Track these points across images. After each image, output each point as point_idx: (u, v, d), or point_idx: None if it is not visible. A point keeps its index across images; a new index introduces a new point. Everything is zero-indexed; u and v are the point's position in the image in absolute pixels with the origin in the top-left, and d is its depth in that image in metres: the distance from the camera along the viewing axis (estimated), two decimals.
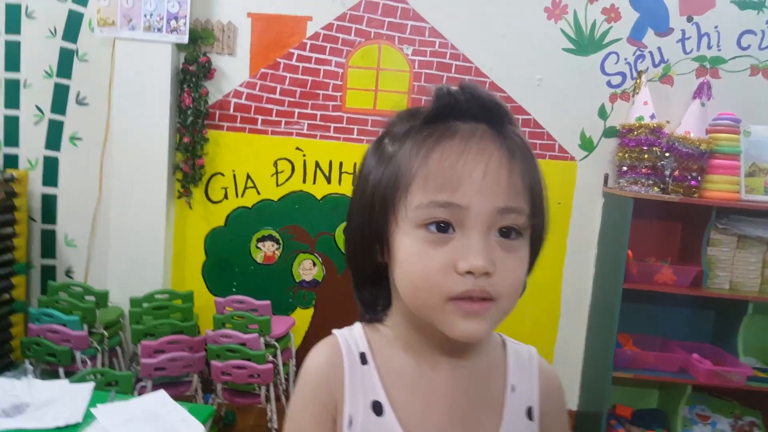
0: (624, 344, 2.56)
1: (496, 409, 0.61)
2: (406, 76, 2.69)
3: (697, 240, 2.48)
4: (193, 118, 2.66)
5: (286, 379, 2.61)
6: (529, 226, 0.57)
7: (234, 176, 2.78)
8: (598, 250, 2.68)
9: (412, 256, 0.55)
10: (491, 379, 0.63)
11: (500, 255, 0.54)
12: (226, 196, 2.79)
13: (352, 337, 0.63)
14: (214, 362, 2.21)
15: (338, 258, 2.80)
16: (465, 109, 0.55)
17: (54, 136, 2.80)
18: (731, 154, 2.45)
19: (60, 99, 2.78)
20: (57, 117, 2.79)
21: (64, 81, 2.77)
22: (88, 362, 2.29)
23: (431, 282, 0.54)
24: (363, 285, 0.65)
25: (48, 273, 2.86)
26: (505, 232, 0.55)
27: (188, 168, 2.70)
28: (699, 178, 2.45)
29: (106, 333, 2.43)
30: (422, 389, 0.60)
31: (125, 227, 2.69)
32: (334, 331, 0.64)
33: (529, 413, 0.63)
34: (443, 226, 0.54)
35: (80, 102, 2.78)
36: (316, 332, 2.82)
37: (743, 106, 2.52)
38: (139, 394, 1.95)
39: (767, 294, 2.47)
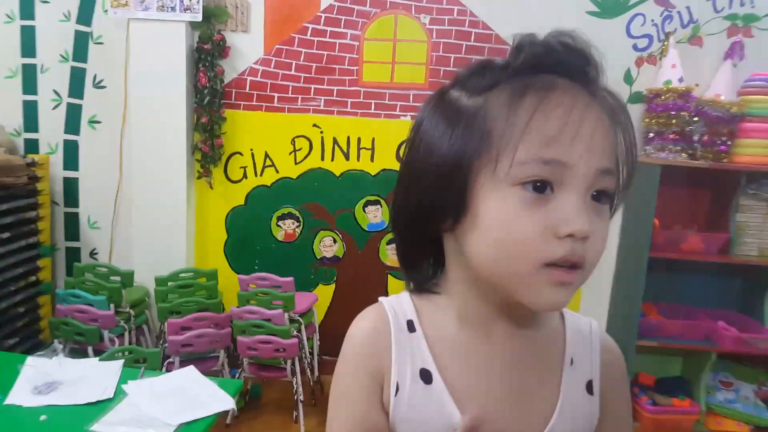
0: (648, 313, 2.50)
1: (553, 382, 0.57)
2: (424, 46, 2.59)
3: (726, 206, 2.39)
4: (210, 98, 2.60)
5: (311, 353, 2.60)
6: (619, 192, 0.52)
7: (252, 155, 2.73)
8: (623, 219, 2.58)
9: (506, 219, 0.49)
10: (549, 351, 0.59)
11: (594, 219, 0.49)
12: (245, 176, 2.75)
13: (399, 304, 0.59)
14: (240, 338, 2.20)
15: (358, 234, 2.76)
16: (560, 61, 0.50)
17: (73, 119, 2.76)
18: (765, 117, 2.32)
19: (77, 82, 2.74)
20: (75, 101, 2.75)
21: (80, 64, 2.72)
22: (116, 341, 2.29)
23: (527, 246, 0.48)
24: (414, 255, 0.60)
25: (73, 255, 2.86)
26: (597, 196, 0.50)
27: (207, 148, 2.65)
28: (729, 142, 2.33)
29: (132, 312, 2.43)
30: (474, 359, 0.57)
31: (147, 208, 2.66)
32: (381, 298, 0.61)
33: (590, 387, 0.59)
34: (540, 186, 0.48)
35: (97, 85, 2.74)
36: (339, 307, 2.79)
37: None
38: (167, 370, 1.95)
39: None
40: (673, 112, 2.31)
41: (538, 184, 0.48)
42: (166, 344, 2.19)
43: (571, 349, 0.59)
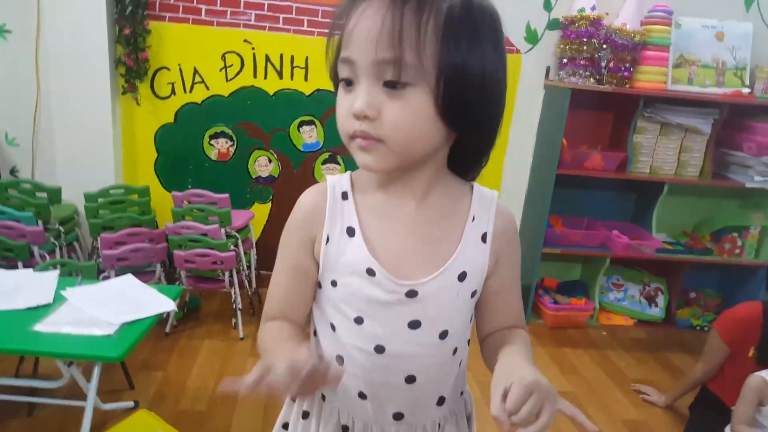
0: (554, 224, 2.77)
1: (456, 234, 0.72)
2: None
3: (626, 128, 2.63)
4: (133, 8, 2.45)
5: (248, 267, 2.68)
6: (421, 76, 0.59)
7: (180, 71, 2.64)
8: (537, 140, 2.79)
9: (337, 105, 0.66)
10: (455, 212, 0.73)
11: (387, 103, 0.60)
12: (173, 92, 2.66)
13: (339, 180, 0.74)
14: (177, 252, 2.24)
15: (294, 154, 2.79)
16: None
17: None
18: (661, 46, 2.54)
19: None
20: None
21: None
22: (47, 257, 2.25)
23: (341, 124, 0.65)
24: None
25: None
26: (390, 83, 0.60)
27: (131, 62, 2.53)
28: (632, 69, 2.54)
29: (62, 229, 2.38)
30: (390, 218, 0.71)
31: (69, 124, 2.54)
32: (327, 176, 0.75)
33: (484, 238, 0.73)
34: (349, 81, 0.63)
35: None
36: (275, 225, 2.86)
37: None
38: None
39: (681, 176, 2.71)
40: (585, 39, 2.47)
41: (346, 80, 0.63)
42: (100, 259, 2.19)
43: (474, 210, 0.73)
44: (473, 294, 0.74)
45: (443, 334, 0.72)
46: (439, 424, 0.78)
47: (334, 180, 0.74)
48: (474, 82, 0.60)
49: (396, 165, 0.65)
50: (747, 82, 2.64)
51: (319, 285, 0.75)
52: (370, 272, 0.69)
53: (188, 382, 2.08)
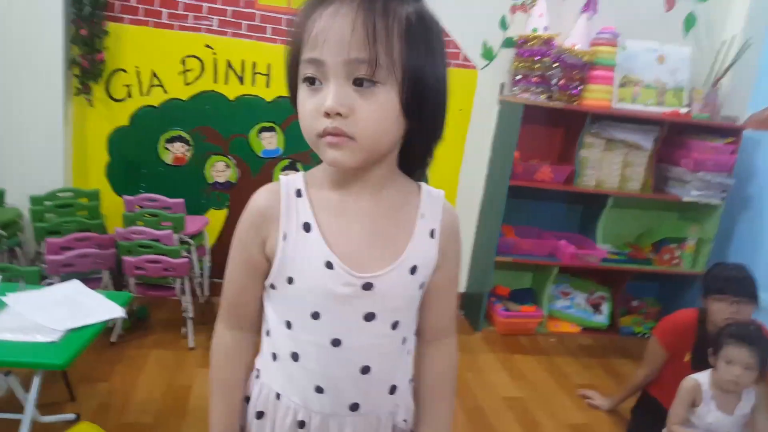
0: (506, 233, 2.85)
1: (408, 229, 0.76)
2: None
3: (574, 143, 2.75)
4: (91, 9, 2.40)
5: (201, 274, 2.63)
6: (391, 77, 0.63)
7: (138, 73, 2.58)
8: (491, 153, 2.88)
9: (299, 107, 0.68)
10: (406, 209, 0.77)
11: (358, 101, 0.63)
12: (129, 95, 2.60)
13: (292, 179, 0.76)
14: (126, 257, 2.17)
15: (252, 160, 2.77)
16: None
17: None
18: (608, 66, 2.67)
19: None
20: None
21: None
22: None
23: (307, 122, 0.67)
24: None
25: None
26: (359, 82, 0.63)
27: (87, 63, 2.46)
28: (580, 87, 2.66)
29: (4, 233, 2.27)
30: (345, 213, 0.73)
31: (17, 124, 2.45)
32: (280, 176, 0.77)
33: (432, 233, 0.77)
34: (313, 80, 0.65)
35: None
36: (231, 232, 2.78)
37: (622, 22, 2.71)
38: None
39: (624, 190, 2.84)
40: (537, 58, 2.57)
41: (312, 79, 0.65)
42: (44, 265, 2.10)
43: (423, 208, 0.77)
44: (421, 286, 0.78)
45: (395, 325, 0.76)
46: (393, 414, 0.81)
47: (287, 179, 0.75)
48: (430, 83, 0.66)
49: (363, 161, 0.67)
50: (685, 102, 2.81)
51: (272, 286, 0.76)
52: (329, 265, 0.71)
53: (134, 393, 2.00)
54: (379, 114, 0.64)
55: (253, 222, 0.75)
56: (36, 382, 1.41)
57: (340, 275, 0.71)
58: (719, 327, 1.80)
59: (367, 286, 0.72)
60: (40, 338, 1.36)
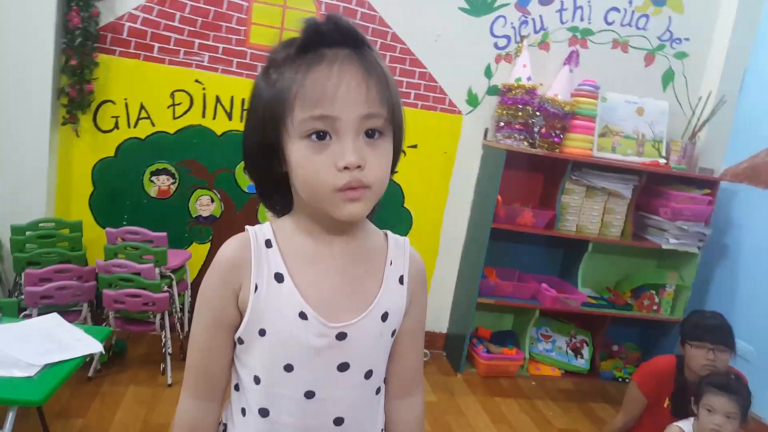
0: (488, 276, 2.92)
1: (377, 276, 0.78)
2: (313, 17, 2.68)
3: (555, 189, 2.86)
4: (82, 39, 2.47)
5: (182, 309, 2.65)
6: (389, 127, 0.70)
7: (126, 105, 2.65)
8: (474, 196, 2.97)
9: (303, 162, 0.68)
10: (375, 257, 0.79)
11: (368, 152, 0.67)
12: (117, 126, 2.66)
13: (260, 229, 0.76)
14: (106, 291, 2.19)
15: (237, 195, 2.82)
16: (329, 38, 0.66)
17: None
18: (589, 116, 2.81)
19: None
20: None
21: None
22: None
23: (320, 180, 0.67)
24: (267, 192, 0.77)
25: None
26: (370, 134, 0.68)
27: (75, 93, 2.52)
28: (561, 135, 2.79)
29: None
30: (317, 262, 0.75)
31: (1, 151, 2.48)
32: (247, 227, 0.76)
33: (401, 280, 0.80)
34: (322, 135, 0.66)
35: None
36: None
37: (603, 75, 2.87)
38: None
39: (604, 236, 2.95)
40: (520, 106, 2.70)
41: (321, 134, 0.66)
42: (23, 296, 2.12)
43: (391, 255, 0.80)
44: (393, 333, 0.79)
45: (368, 374, 0.77)
46: None
47: (254, 229, 0.76)
48: (402, 131, 0.73)
49: (370, 210, 0.71)
50: (663, 153, 2.95)
51: (240, 341, 0.75)
52: (303, 316, 0.72)
53: (110, 430, 2.00)
54: (385, 161, 0.70)
55: (223, 274, 0.73)
56: (11, 417, 1.40)
57: (313, 326, 0.71)
58: (697, 374, 1.85)
59: (341, 336, 0.73)
60: (17, 373, 1.37)
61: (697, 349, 1.88)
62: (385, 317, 0.76)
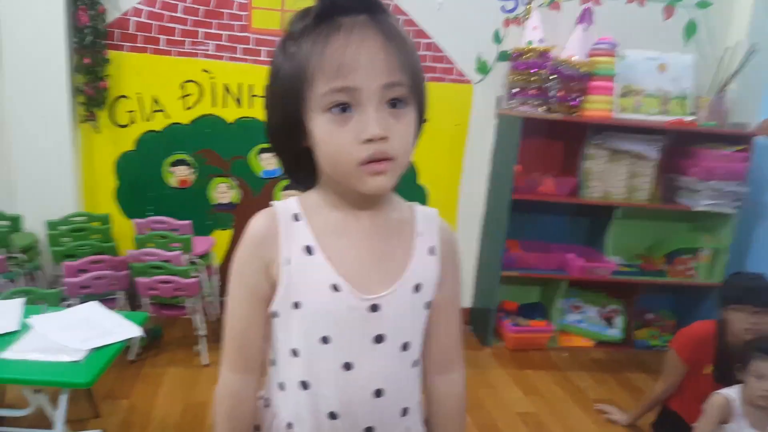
0: (511, 248, 3.11)
1: (407, 248, 0.82)
2: None
3: (576, 155, 3.02)
4: (92, 38, 2.76)
5: (211, 293, 2.98)
6: (412, 96, 0.73)
7: (140, 99, 2.94)
8: (491, 167, 3.16)
9: (326, 136, 0.71)
10: (403, 228, 0.84)
11: (392, 122, 0.71)
12: (133, 120, 2.97)
13: (286, 204, 0.82)
14: (139, 279, 2.50)
15: (253, 181, 3.11)
16: (345, 4, 0.70)
17: None
18: (607, 76, 2.93)
19: None
20: None
21: None
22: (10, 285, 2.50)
23: (343, 153, 0.71)
24: (292, 167, 0.82)
25: None
26: (393, 103, 0.71)
27: (91, 91, 2.84)
28: (580, 98, 2.92)
29: (24, 257, 2.64)
30: (346, 234, 0.80)
31: (28, 153, 2.83)
32: (272, 202, 0.83)
33: (432, 250, 0.84)
34: (344, 107, 0.70)
35: None
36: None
37: (620, 31, 2.97)
38: None
39: (632, 200, 3.08)
40: (533, 70, 2.86)
41: (342, 106, 0.69)
42: (63, 287, 2.44)
43: (420, 226, 0.84)
44: (427, 305, 0.84)
45: (405, 346, 0.82)
46: None
47: (281, 204, 0.81)
48: (425, 99, 0.78)
49: (396, 182, 0.74)
50: (690, 110, 3.05)
51: (275, 314, 0.80)
52: (335, 288, 0.77)
53: (154, 411, 2.29)
54: (409, 131, 0.73)
55: (253, 249, 0.79)
56: (63, 399, 1.62)
57: (346, 298, 0.76)
58: (740, 339, 1.95)
59: (374, 308, 0.78)
60: (66, 358, 1.56)
61: (739, 313, 1.96)
62: (417, 288, 0.81)
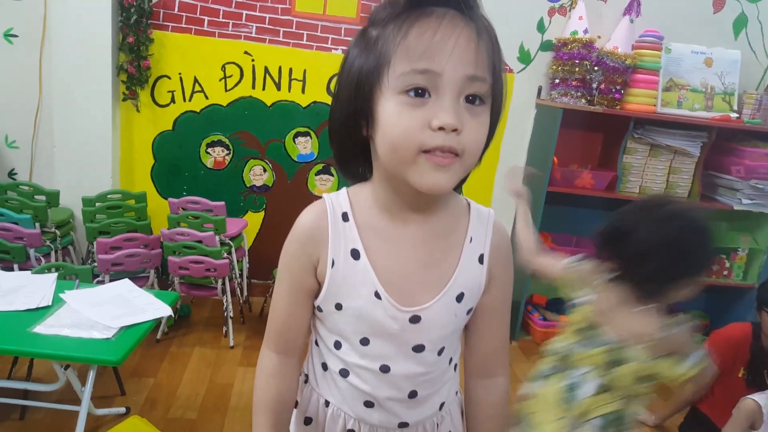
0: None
1: (455, 255, 0.75)
2: None
3: (616, 148, 2.77)
4: (137, 17, 2.60)
5: (240, 275, 2.80)
6: (491, 96, 0.66)
7: (181, 79, 2.78)
8: (528, 157, 2.93)
9: (394, 117, 0.63)
10: (454, 232, 0.76)
11: (467, 117, 0.63)
12: (173, 100, 2.80)
13: (337, 199, 0.76)
14: (171, 258, 2.35)
15: (288, 164, 2.92)
16: None
17: None
18: (652, 70, 2.69)
19: None
20: None
21: None
22: (42, 260, 2.35)
23: (408, 136, 0.62)
24: (348, 158, 0.75)
25: None
26: (471, 99, 0.64)
27: (133, 69, 2.67)
28: (622, 91, 2.69)
29: (58, 232, 2.49)
30: (393, 240, 0.74)
31: (69, 129, 2.67)
32: (324, 194, 0.77)
33: (481, 259, 0.77)
34: (420, 92, 0.62)
35: None
36: (267, 234, 2.98)
37: (667, 24, 2.73)
38: None
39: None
40: (577, 61, 2.62)
41: (419, 90, 0.62)
42: (95, 263, 2.30)
43: (472, 231, 0.77)
44: (469, 311, 0.79)
45: (440, 351, 0.78)
46: (437, 424, 0.83)
47: (332, 199, 0.75)
48: (502, 105, 0.70)
49: (455, 184, 0.67)
50: (735, 107, 2.79)
51: (319, 309, 0.77)
52: (377, 295, 0.72)
53: (179, 389, 2.16)
54: (482, 132, 0.65)
55: (301, 244, 0.75)
56: (91, 376, 1.55)
57: (387, 307, 0.72)
58: None
59: (415, 319, 0.73)
60: (96, 335, 1.48)
61: None
62: (460, 298, 0.75)
